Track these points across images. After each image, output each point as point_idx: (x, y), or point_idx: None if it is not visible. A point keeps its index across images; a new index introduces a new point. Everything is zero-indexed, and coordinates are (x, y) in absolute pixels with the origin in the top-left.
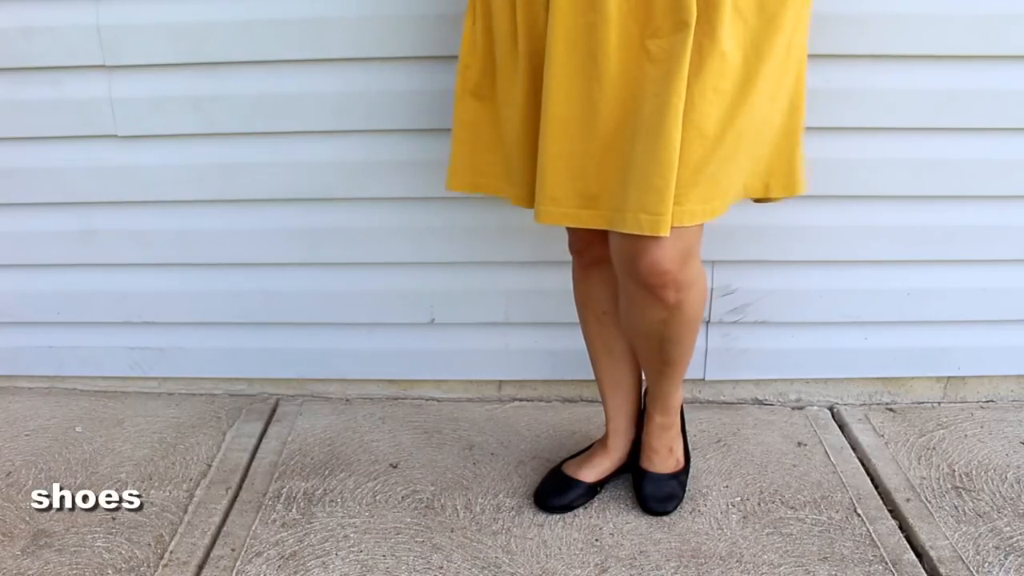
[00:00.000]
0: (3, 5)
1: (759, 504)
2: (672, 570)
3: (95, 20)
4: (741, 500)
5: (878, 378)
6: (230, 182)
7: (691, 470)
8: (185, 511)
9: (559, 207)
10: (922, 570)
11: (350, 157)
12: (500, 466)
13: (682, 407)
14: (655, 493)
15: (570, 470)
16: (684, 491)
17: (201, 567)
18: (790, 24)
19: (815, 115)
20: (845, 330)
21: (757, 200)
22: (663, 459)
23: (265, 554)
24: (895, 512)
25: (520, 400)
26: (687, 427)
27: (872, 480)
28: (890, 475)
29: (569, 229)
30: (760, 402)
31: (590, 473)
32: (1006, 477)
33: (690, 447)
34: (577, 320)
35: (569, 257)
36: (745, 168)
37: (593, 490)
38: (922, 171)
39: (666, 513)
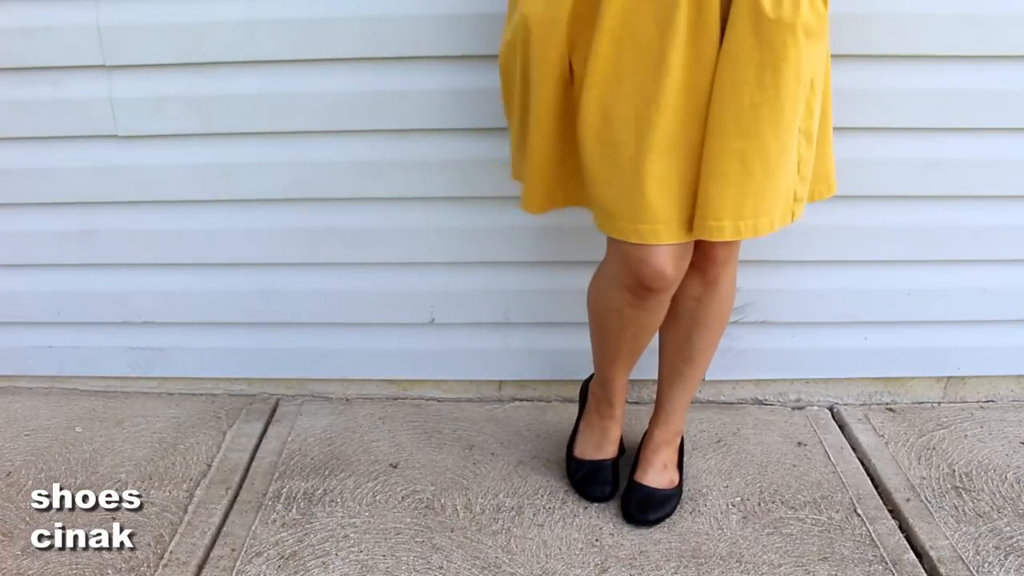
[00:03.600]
0: (3, 5)
1: (759, 504)
2: (672, 570)
3: (95, 20)
4: (741, 500)
5: (878, 378)
6: (230, 182)
7: (690, 471)
8: (185, 511)
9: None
10: (922, 570)
11: (350, 157)
12: (500, 466)
13: (682, 441)
14: (642, 502)
15: (588, 454)
16: (671, 510)
17: (201, 567)
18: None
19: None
20: (845, 330)
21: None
22: (657, 472)
23: (265, 554)
24: (895, 512)
25: (520, 400)
26: (687, 430)
27: (872, 480)
28: (890, 475)
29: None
30: (760, 402)
31: (611, 448)
32: (1006, 477)
33: (689, 449)
34: (576, 320)
35: (570, 258)
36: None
37: (616, 464)
38: (922, 171)
39: (647, 523)
